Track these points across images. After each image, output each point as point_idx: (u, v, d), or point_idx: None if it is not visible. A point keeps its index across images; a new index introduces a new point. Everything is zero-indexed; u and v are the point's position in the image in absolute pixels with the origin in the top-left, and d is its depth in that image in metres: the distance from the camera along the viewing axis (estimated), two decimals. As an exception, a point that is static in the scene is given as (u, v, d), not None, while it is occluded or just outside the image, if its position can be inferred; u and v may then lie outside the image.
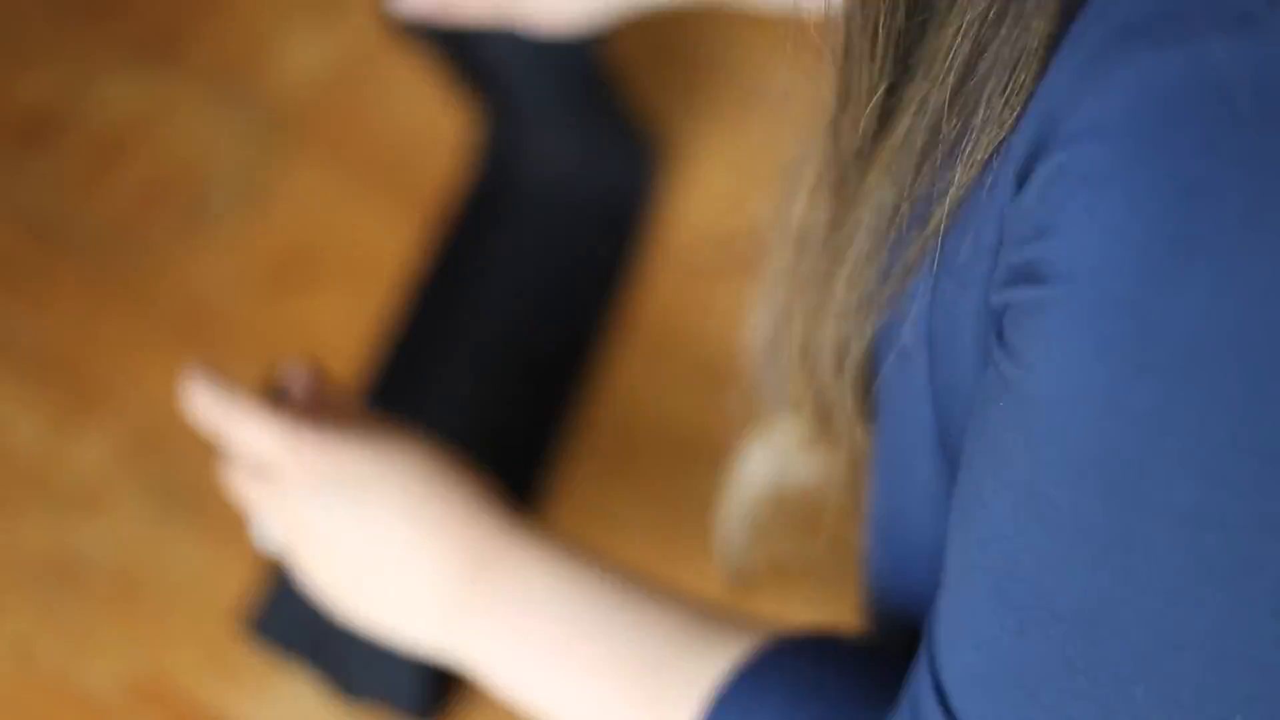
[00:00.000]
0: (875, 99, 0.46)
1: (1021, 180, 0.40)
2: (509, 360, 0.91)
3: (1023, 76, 0.41)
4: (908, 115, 0.45)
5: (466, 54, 0.88)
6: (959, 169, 0.44)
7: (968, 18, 0.42)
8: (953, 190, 0.44)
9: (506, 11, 0.76)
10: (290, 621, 0.80)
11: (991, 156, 0.43)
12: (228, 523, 0.85)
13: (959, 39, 0.42)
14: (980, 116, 0.42)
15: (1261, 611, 0.39)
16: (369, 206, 0.97)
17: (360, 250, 0.96)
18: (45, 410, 0.92)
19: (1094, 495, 0.40)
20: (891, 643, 0.59)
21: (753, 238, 0.62)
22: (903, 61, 0.45)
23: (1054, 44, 0.40)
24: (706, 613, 0.61)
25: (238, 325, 0.94)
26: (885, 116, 0.46)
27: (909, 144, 0.46)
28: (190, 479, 0.89)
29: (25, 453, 0.90)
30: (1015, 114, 0.41)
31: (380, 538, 0.65)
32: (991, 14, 0.41)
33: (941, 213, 0.45)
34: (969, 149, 0.43)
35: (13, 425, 0.91)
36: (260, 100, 1.01)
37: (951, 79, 0.43)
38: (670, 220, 0.97)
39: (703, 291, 0.94)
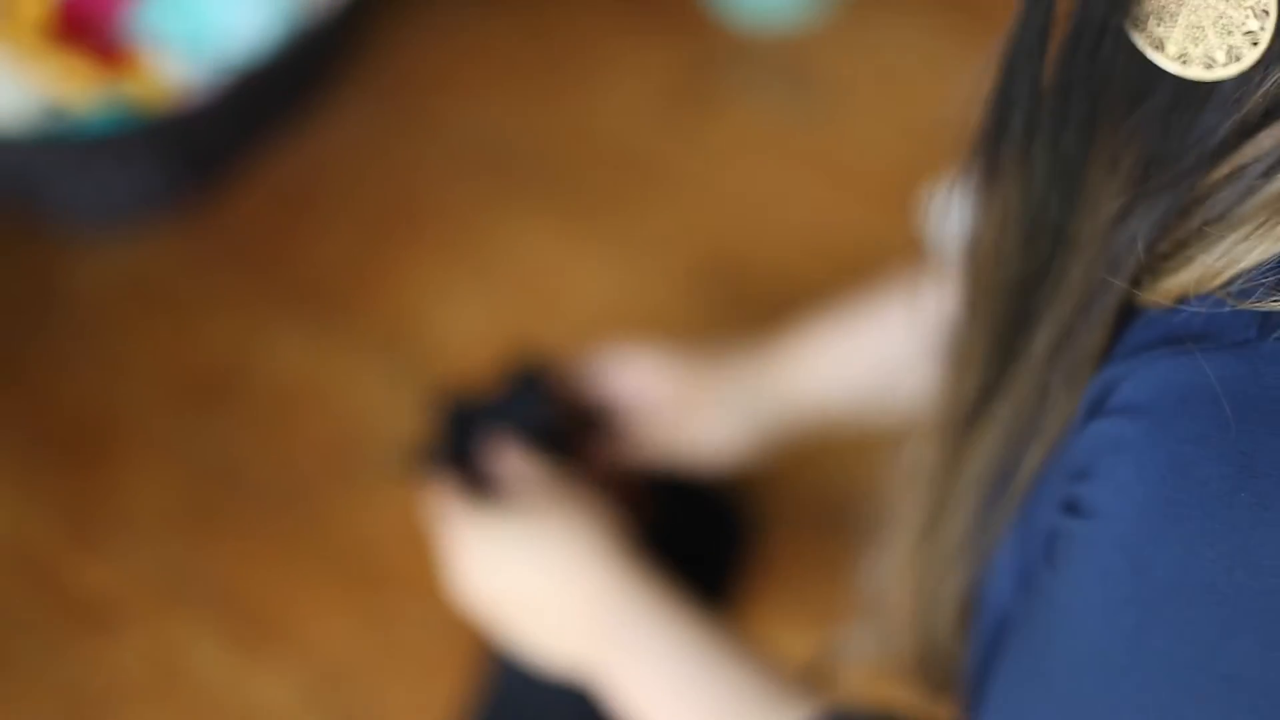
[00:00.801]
0: (980, 379, 0.58)
1: (1084, 421, 0.52)
2: None
3: (1086, 372, 0.53)
4: (1002, 395, 0.57)
5: None
6: (1035, 445, 0.56)
7: (1056, 324, 0.54)
8: (1030, 462, 0.56)
9: (662, 450, 0.95)
10: None
11: (1059, 434, 0.54)
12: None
13: (1047, 341, 0.54)
14: (1051, 403, 0.54)
15: None
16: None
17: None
18: (231, 645, 1.01)
19: (1085, 682, 0.51)
20: None
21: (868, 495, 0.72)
22: (1005, 351, 0.57)
23: (1107, 352, 0.52)
24: (780, 676, 0.76)
25: (406, 571, 1.03)
26: (986, 393, 0.58)
27: (1001, 419, 0.58)
28: (367, 712, 0.97)
29: (212, 686, 0.99)
30: (1076, 404, 0.52)
31: (541, 589, 0.83)
32: (1072, 322, 0.53)
33: (1022, 480, 0.57)
34: (1043, 429, 0.55)
35: (201, 659, 1.00)
36: (420, 360, 1.12)
37: (1036, 370, 0.55)
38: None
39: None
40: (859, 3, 1.29)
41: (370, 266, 1.18)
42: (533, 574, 0.83)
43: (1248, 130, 0.48)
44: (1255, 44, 0.47)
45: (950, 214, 0.60)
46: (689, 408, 0.95)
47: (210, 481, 1.08)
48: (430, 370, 1.11)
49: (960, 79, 1.24)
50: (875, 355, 0.93)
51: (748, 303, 1.12)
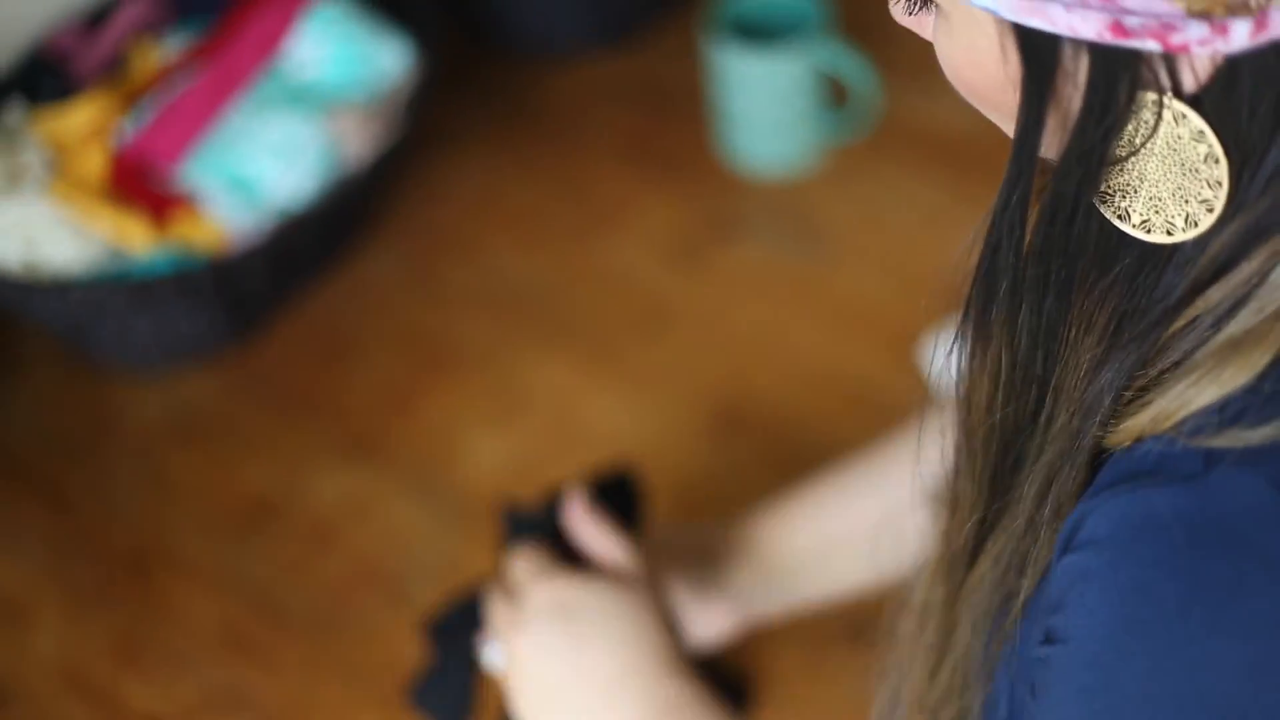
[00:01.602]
0: (976, 519, 0.65)
1: (1057, 557, 0.58)
2: None
3: (1068, 510, 0.59)
4: (997, 534, 0.64)
5: None
6: (1028, 578, 0.61)
7: (1045, 467, 0.60)
8: (1022, 594, 0.62)
9: None
10: None
11: (1044, 570, 0.60)
12: None
13: (1037, 484, 0.61)
14: (1042, 540, 0.60)
15: None
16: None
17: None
18: (272, 763, 1.07)
19: None
20: None
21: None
22: (998, 493, 0.63)
23: (1085, 488, 0.59)
24: None
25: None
26: (982, 532, 0.65)
27: (997, 556, 0.64)
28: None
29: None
30: (1056, 535, 0.59)
31: (588, 671, 0.86)
32: (1059, 466, 0.60)
33: (1016, 610, 0.63)
34: (1034, 563, 0.61)
35: (244, 775, 1.06)
36: (450, 491, 1.19)
37: (1027, 511, 0.61)
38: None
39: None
40: (855, 155, 1.37)
41: (402, 402, 1.25)
42: (580, 661, 0.86)
43: (1200, 287, 0.55)
44: (1210, 210, 0.54)
45: (945, 357, 0.68)
46: (688, 613, 0.98)
47: (252, 606, 1.14)
48: (460, 499, 1.18)
49: (948, 226, 1.33)
50: (868, 537, 0.94)
51: (756, 435, 1.19)
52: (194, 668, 1.12)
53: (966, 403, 0.64)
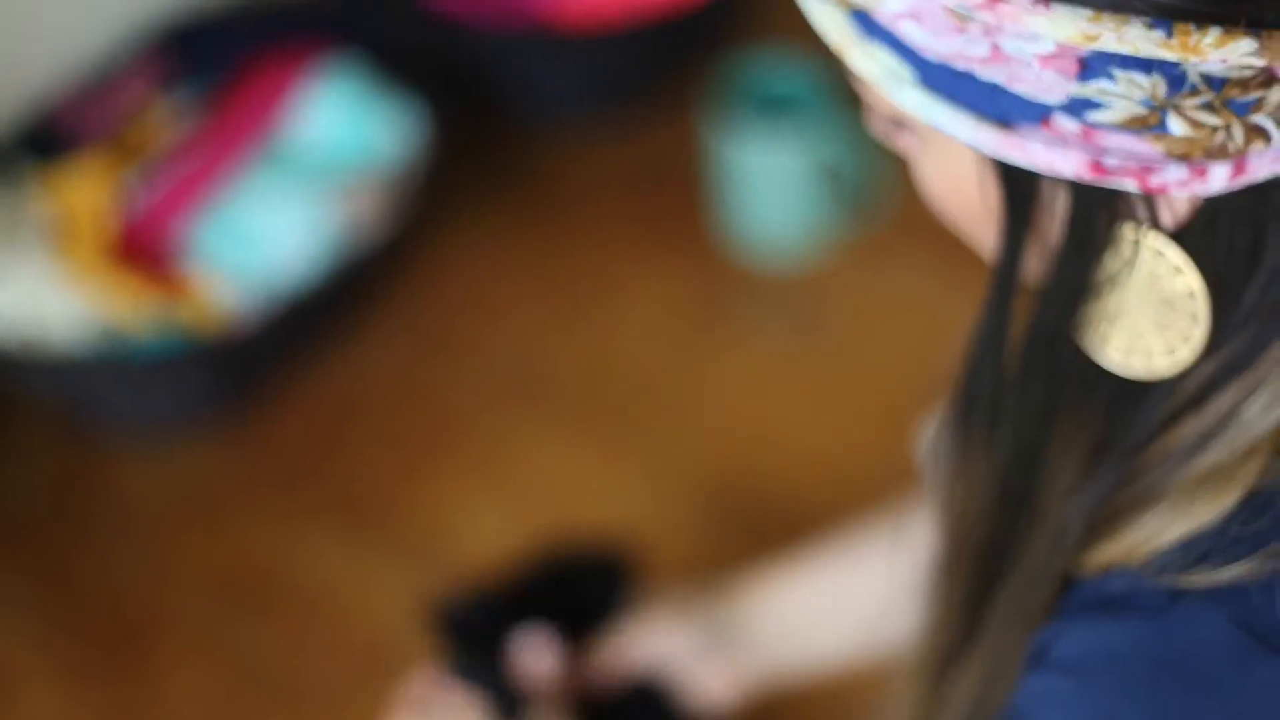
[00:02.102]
0: (955, 627, 0.66)
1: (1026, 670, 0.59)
2: None
3: (1034, 624, 0.60)
4: (974, 642, 0.65)
5: None
6: (996, 688, 0.62)
7: (1020, 584, 0.61)
8: (990, 705, 0.63)
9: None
10: None
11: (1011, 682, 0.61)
12: None
13: (1012, 597, 0.62)
14: (1015, 652, 0.61)
15: None
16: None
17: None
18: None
19: None
20: None
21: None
22: (976, 603, 0.64)
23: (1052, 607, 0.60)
24: None
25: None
26: (961, 640, 0.66)
27: (974, 663, 0.65)
28: None
29: None
30: (1024, 649, 0.60)
31: None
32: (1031, 583, 0.60)
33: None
34: (1006, 674, 0.62)
35: None
36: (451, 565, 1.18)
37: (1001, 623, 0.62)
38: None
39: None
40: (858, 246, 1.37)
41: (402, 479, 1.25)
42: None
43: (1175, 418, 0.56)
44: (1188, 340, 0.55)
45: (933, 459, 0.68)
46: (693, 673, 0.99)
47: (247, 682, 1.14)
48: (461, 573, 1.17)
49: (948, 318, 1.34)
50: (857, 609, 0.96)
51: (759, 520, 1.20)
52: (187, 742, 1.11)
53: (948, 514, 0.65)
